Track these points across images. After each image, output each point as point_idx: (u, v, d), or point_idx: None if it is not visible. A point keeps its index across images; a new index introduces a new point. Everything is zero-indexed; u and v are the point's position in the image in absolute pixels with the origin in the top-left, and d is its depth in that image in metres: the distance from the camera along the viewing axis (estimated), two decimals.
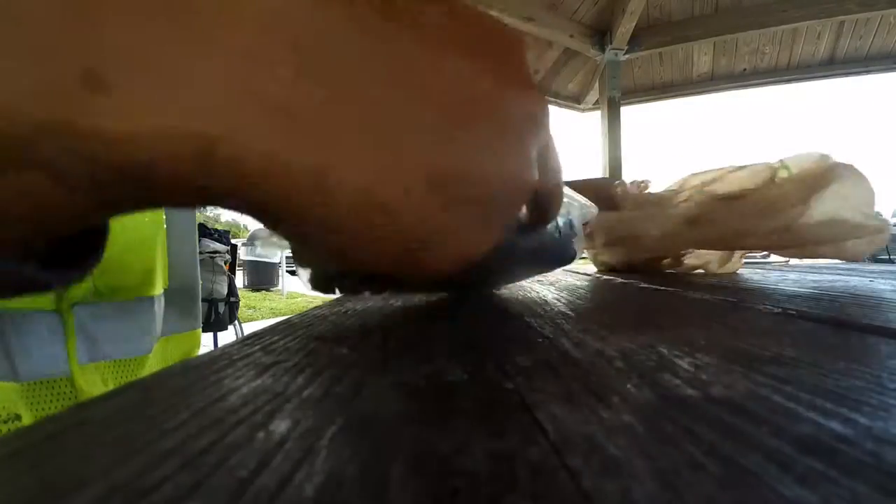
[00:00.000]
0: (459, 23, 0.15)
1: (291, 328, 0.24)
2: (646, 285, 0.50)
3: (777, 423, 0.11)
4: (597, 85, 2.96)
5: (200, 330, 0.52)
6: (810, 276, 0.58)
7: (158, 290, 0.45)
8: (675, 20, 2.68)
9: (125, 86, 0.10)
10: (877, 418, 0.11)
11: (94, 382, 0.38)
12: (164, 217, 0.45)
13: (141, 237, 0.42)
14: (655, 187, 0.70)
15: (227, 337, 2.40)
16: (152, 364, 0.42)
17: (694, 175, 0.65)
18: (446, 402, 0.13)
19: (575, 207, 0.28)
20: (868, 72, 2.88)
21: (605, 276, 0.64)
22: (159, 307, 0.45)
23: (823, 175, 0.52)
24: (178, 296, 0.48)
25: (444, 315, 0.28)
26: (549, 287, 0.46)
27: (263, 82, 0.11)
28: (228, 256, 2.46)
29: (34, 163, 0.10)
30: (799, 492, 0.08)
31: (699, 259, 0.64)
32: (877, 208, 0.53)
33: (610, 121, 2.74)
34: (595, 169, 2.83)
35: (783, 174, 0.56)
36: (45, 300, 0.37)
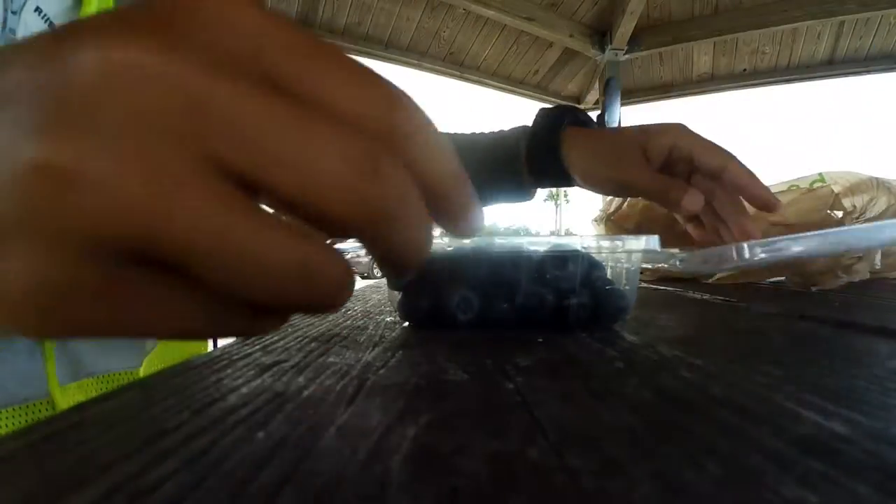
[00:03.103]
0: None
1: (291, 328, 0.24)
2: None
3: (777, 423, 0.11)
4: (597, 85, 2.96)
5: None
6: None
7: None
8: (675, 20, 2.67)
9: None
10: (877, 418, 0.11)
11: (77, 402, 0.35)
12: None
13: None
14: None
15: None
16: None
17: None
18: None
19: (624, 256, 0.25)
20: (868, 72, 2.88)
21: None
22: None
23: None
24: None
25: None
26: None
27: None
28: None
29: None
30: (799, 492, 0.08)
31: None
32: None
33: None
34: None
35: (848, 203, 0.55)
36: None
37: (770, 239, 0.21)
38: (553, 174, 0.40)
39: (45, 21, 0.39)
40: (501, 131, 0.45)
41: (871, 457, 0.09)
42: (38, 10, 0.38)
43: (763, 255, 0.20)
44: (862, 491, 0.08)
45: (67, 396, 0.36)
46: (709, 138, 0.35)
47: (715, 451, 0.09)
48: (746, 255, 0.20)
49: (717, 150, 0.34)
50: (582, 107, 3.27)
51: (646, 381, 0.15)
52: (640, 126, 0.37)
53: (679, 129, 0.35)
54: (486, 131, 0.46)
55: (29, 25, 0.38)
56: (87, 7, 0.40)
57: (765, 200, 0.33)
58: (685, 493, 0.08)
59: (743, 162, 0.33)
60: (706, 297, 0.41)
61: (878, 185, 0.56)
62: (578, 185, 0.40)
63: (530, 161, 0.41)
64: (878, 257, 0.51)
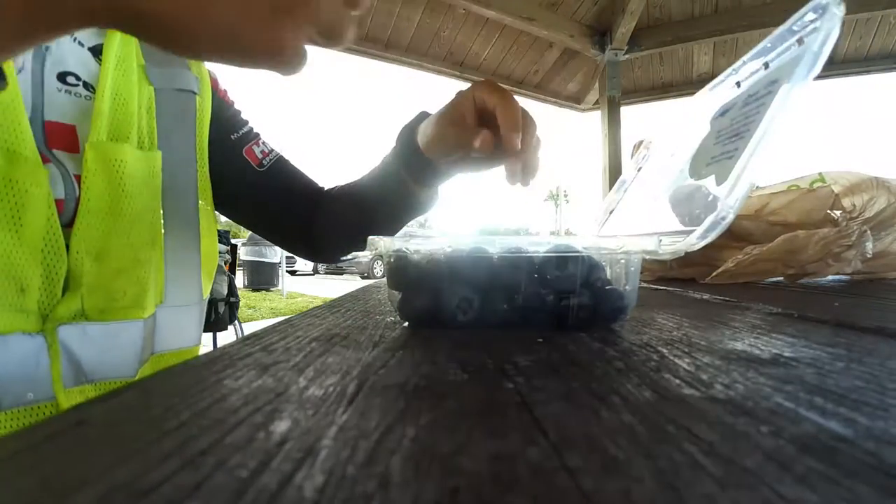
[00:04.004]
0: None
1: (291, 328, 0.24)
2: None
3: (777, 423, 0.11)
4: (597, 85, 2.96)
5: (199, 347, 0.49)
6: None
7: (149, 311, 0.42)
8: (675, 20, 2.68)
9: None
10: (877, 418, 0.11)
11: None
12: (163, 231, 0.43)
13: (136, 259, 0.40)
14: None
15: (227, 337, 2.40)
16: None
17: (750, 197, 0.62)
18: None
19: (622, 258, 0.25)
20: (868, 72, 2.88)
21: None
22: (149, 329, 0.42)
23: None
24: (174, 311, 0.46)
25: None
26: None
27: None
28: (228, 256, 2.46)
29: None
30: (798, 491, 0.08)
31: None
32: None
33: (610, 121, 2.74)
34: (595, 169, 2.83)
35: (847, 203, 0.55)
36: (29, 321, 0.35)
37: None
38: (423, 166, 0.45)
39: (75, 41, 0.40)
40: (385, 156, 0.50)
41: (871, 457, 0.09)
42: None
43: (736, 201, 0.22)
44: (861, 491, 0.08)
45: (71, 400, 0.37)
46: (506, 93, 0.40)
47: (715, 451, 0.09)
48: (723, 212, 0.21)
49: (499, 100, 0.38)
50: (582, 107, 3.28)
51: (646, 381, 0.15)
52: (456, 95, 0.42)
53: (481, 85, 0.40)
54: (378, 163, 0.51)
55: (61, 43, 0.39)
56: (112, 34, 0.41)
57: (507, 142, 0.37)
58: (685, 493, 0.08)
59: (516, 111, 0.38)
60: (706, 297, 0.41)
61: (877, 184, 0.56)
62: (433, 161, 0.44)
63: (406, 167, 0.46)
64: (868, 246, 0.51)
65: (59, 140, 0.37)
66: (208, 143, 0.49)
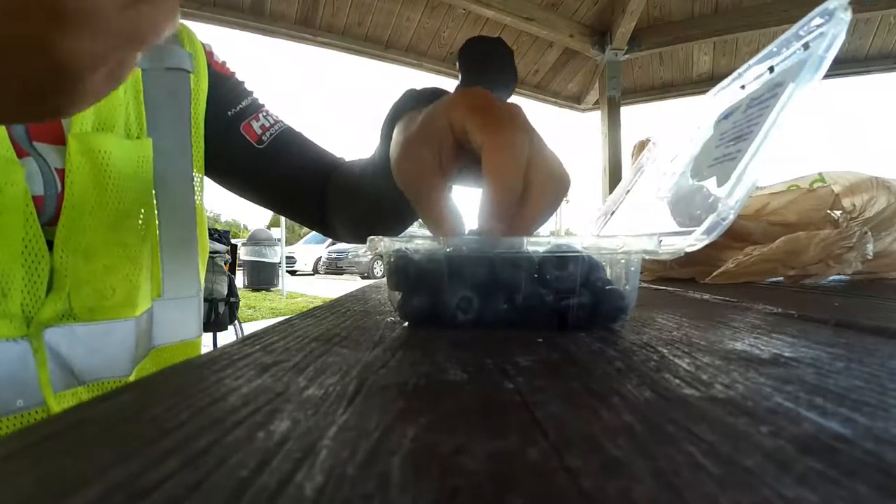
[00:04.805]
0: None
1: (291, 328, 0.24)
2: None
3: (777, 423, 0.11)
4: (597, 85, 2.96)
5: (200, 339, 0.48)
6: None
7: (142, 308, 0.40)
8: (675, 20, 2.68)
9: None
10: (877, 418, 0.11)
11: None
12: (157, 223, 0.41)
13: (126, 255, 0.39)
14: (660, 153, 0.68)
15: (227, 337, 2.40)
16: None
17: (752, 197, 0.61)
18: None
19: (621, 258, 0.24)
20: (868, 72, 2.88)
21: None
22: (142, 326, 0.41)
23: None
24: (173, 304, 0.44)
25: None
26: None
27: None
28: (228, 256, 2.46)
29: None
30: (798, 491, 0.08)
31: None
32: None
33: (610, 121, 2.74)
34: (595, 169, 2.83)
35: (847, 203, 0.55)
36: (12, 326, 0.33)
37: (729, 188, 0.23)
38: (396, 198, 0.33)
39: None
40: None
41: (871, 457, 0.09)
42: None
43: (737, 202, 0.22)
44: (862, 491, 0.08)
45: (63, 404, 0.35)
46: (502, 120, 0.25)
47: (715, 451, 0.09)
48: (724, 213, 0.22)
49: (488, 138, 0.25)
50: (582, 107, 3.28)
51: (646, 381, 0.15)
52: (431, 109, 0.29)
53: (463, 104, 0.27)
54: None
55: None
56: None
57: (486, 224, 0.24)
58: (685, 493, 0.08)
59: (510, 167, 0.24)
60: (706, 297, 0.41)
61: (877, 184, 0.56)
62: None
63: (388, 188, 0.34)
64: (869, 248, 0.51)
65: (43, 132, 0.35)
66: (204, 121, 0.46)
